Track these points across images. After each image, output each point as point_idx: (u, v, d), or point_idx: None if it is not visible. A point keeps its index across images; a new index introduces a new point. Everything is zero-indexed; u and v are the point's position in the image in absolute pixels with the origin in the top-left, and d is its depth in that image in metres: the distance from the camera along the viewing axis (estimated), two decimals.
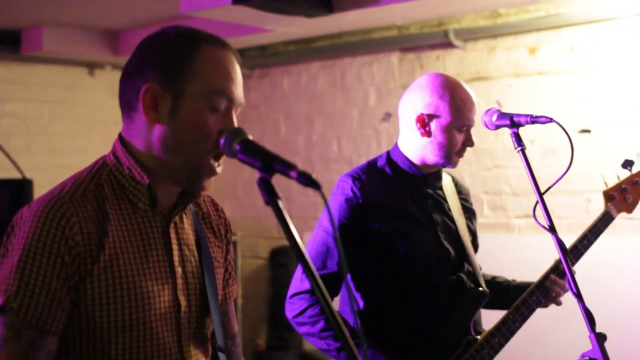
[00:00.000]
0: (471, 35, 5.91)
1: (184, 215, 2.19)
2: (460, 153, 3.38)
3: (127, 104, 2.08)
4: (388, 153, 3.45)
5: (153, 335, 2.08)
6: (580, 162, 5.36)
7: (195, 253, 2.20)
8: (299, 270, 3.36)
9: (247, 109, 7.44)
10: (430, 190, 3.46)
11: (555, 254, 3.34)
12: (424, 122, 3.31)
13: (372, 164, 3.45)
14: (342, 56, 6.77)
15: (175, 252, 2.13)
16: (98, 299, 2.01)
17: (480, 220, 5.46)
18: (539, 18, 5.52)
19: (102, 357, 2.05)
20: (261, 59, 7.12)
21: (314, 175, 1.77)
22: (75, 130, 7.23)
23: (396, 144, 3.44)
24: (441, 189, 3.52)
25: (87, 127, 7.22)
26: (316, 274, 1.72)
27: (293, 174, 1.78)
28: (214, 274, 2.21)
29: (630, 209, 3.62)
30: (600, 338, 2.77)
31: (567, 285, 3.27)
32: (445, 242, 3.41)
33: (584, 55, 5.53)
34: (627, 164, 3.59)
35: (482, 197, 5.91)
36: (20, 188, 5.84)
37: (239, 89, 2.10)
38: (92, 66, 7.23)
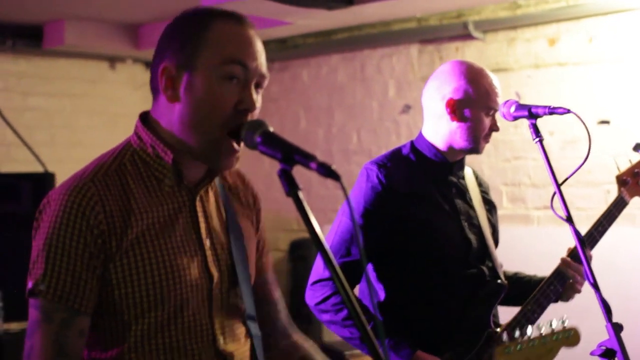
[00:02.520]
0: (490, 26, 5.95)
1: (209, 189, 2.20)
2: (487, 138, 3.42)
3: (153, 88, 2.11)
4: (412, 142, 3.49)
5: (184, 308, 2.11)
6: (599, 154, 5.31)
7: (223, 224, 2.22)
8: (320, 257, 3.36)
9: (267, 101, 7.43)
10: (454, 179, 3.49)
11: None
12: (453, 107, 3.34)
13: (396, 152, 3.48)
14: (362, 48, 6.80)
15: (202, 225, 2.15)
16: (129, 275, 2.05)
17: (499, 212, 5.47)
18: (559, 9, 5.52)
19: (135, 332, 2.08)
20: (281, 51, 7.13)
21: (334, 166, 1.79)
22: (97, 124, 7.28)
23: (420, 133, 3.47)
24: (464, 178, 3.55)
25: (108, 120, 7.27)
26: (336, 265, 1.76)
27: (313, 165, 1.80)
28: (242, 244, 2.23)
29: None
30: (617, 328, 2.78)
31: (581, 269, 3.37)
32: (468, 232, 3.45)
33: (603, 46, 5.56)
34: (638, 147, 3.59)
35: (501, 188, 5.94)
36: (43, 181, 5.92)
37: (256, 59, 2.08)
38: (113, 60, 7.29)
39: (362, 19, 6.22)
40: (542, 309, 3.41)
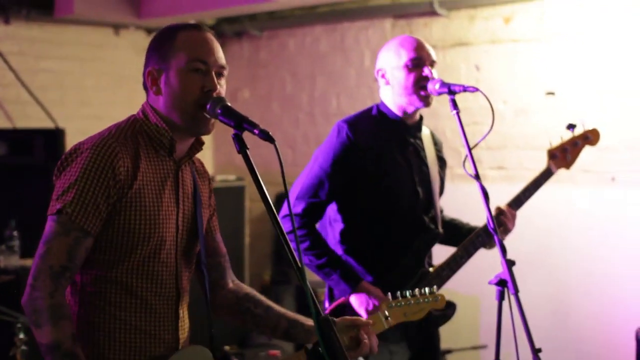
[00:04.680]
0: (454, 5, 6.22)
1: (187, 164, 2.73)
2: (420, 90, 3.68)
3: (144, 87, 2.68)
4: (378, 105, 3.85)
5: (162, 247, 2.62)
6: (545, 121, 5.70)
7: (191, 193, 2.75)
8: (292, 193, 3.79)
9: (257, 67, 7.69)
10: (411, 139, 3.84)
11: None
12: (382, 75, 3.77)
13: (366, 112, 3.86)
14: (342, 21, 7.02)
15: (180, 190, 2.69)
16: (129, 215, 2.54)
17: (458, 171, 5.91)
18: None
19: (121, 260, 2.57)
20: (270, 21, 7.42)
21: (270, 132, 2.34)
22: (103, 85, 7.40)
23: (381, 99, 3.85)
24: (421, 139, 3.88)
25: (113, 81, 7.43)
26: (277, 216, 2.29)
27: (256, 131, 2.36)
28: (201, 210, 2.77)
29: (568, 166, 4.02)
30: (510, 263, 3.09)
31: (512, 217, 3.82)
32: (418, 186, 3.80)
33: (552, 25, 5.81)
34: (570, 126, 3.97)
35: (460, 150, 6.06)
36: (54, 136, 6.14)
37: (213, 55, 2.59)
38: (117, 27, 7.44)
39: None
40: (469, 255, 3.81)
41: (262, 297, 2.91)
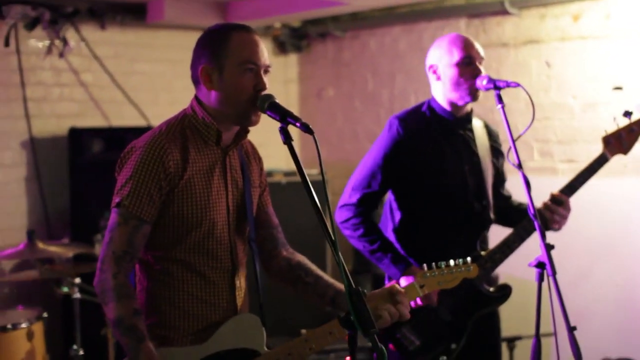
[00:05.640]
0: (525, 4, 6.28)
1: (235, 150, 2.98)
2: (472, 86, 3.83)
3: (195, 81, 2.91)
4: (429, 101, 4.02)
5: (215, 228, 2.88)
6: (614, 115, 5.83)
7: (241, 175, 2.99)
8: (348, 185, 4.00)
9: (340, 66, 7.90)
10: (460, 131, 4.00)
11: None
12: (434, 71, 3.93)
13: (417, 109, 4.04)
14: (419, 21, 7.13)
15: (229, 175, 2.94)
16: (181, 203, 2.82)
17: (530, 164, 6.04)
18: None
19: (179, 241, 2.84)
20: (352, 22, 7.57)
21: (310, 126, 2.54)
22: (191, 85, 7.11)
23: (432, 95, 4.02)
24: (472, 130, 4.03)
25: None
26: (318, 203, 2.48)
27: (298, 124, 2.58)
28: (250, 189, 3.01)
29: (625, 152, 3.97)
30: (548, 247, 3.18)
31: (559, 211, 3.88)
32: (468, 176, 3.95)
33: (618, 23, 5.85)
34: (627, 114, 3.92)
35: (532, 144, 6.27)
36: None
37: (262, 56, 2.81)
38: None
39: (401, 1, 6.64)
40: (521, 239, 3.91)
41: (314, 267, 3.13)
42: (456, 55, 3.85)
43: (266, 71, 2.86)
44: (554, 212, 3.91)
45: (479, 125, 4.10)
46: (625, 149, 3.97)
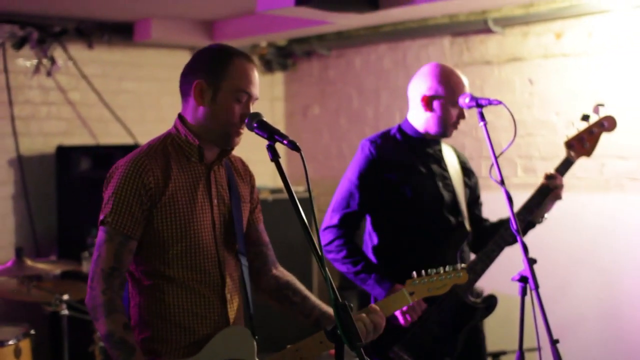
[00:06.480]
0: (508, 22, 6.31)
1: (220, 166, 3.01)
2: (455, 125, 3.96)
3: (184, 92, 2.94)
4: (399, 125, 4.06)
5: (200, 241, 2.91)
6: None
7: (227, 191, 3.02)
8: (329, 207, 4.02)
9: (326, 84, 7.92)
10: (430, 150, 4.04)
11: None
12: (426, 101, 3.94)
13: (386, 133, 4.08)
14: (404, 39, 7.18)
15: (213, 189, 2.97)
16: (163, 218, 2.85)
17: (513, 180, 6.07)
18: (564, 8, 5.90)
19: (165, 256, 2.86)
20: (337, 41, 7.59)
21: (297, 144, 2.57)
22: (179, 103, 7.14)
23: (406, 118, 4.05)
24: (440, 150, 4.08)
25: None
26: (305, 219, 2.50)
27: (285, 141, 2.61)
28: (240, 204, 3.05)
29: (588, 154, 3.99)
30: (531, 261, 3.21)
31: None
32: (442, 190, 3.99)
33: (600, 40, 5.89)
34: (585, 117, 3.99)
35: (516, 160, 6.30)
36: None
37: (256, 89, 2.90)
38: (193, 49, 7.32)
39: (385, 20, 6.59)
40: (500, 248, 3.91)
41: (302, 287, 3.16)
42: (456, 94, 3.89)
43: (253, 102, 2.93)
44: (556, 179, 3.94)
45: (447, 148, 4.16)
46: (587, 150, 4.00)
